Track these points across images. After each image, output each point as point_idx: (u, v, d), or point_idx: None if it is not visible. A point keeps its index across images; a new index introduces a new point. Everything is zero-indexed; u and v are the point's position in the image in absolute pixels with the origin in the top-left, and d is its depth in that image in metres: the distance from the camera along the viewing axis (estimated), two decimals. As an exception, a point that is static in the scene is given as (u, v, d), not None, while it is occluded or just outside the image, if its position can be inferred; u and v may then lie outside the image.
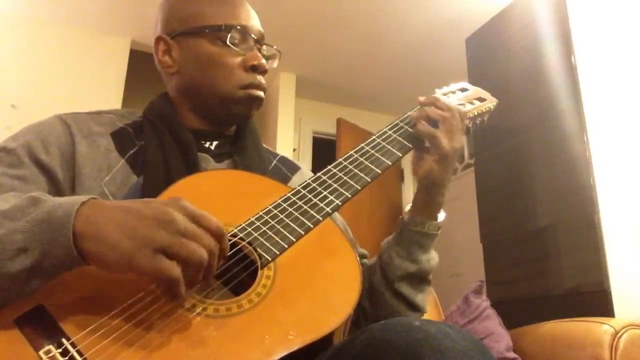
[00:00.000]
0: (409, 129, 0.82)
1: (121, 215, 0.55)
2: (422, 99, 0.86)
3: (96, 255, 0.54)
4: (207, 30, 0.85)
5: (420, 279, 0.84)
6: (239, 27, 0.86)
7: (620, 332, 1.32)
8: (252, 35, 0.87)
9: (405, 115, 0.85)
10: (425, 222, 0.82)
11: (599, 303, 1.70)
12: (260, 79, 0.87)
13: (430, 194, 0.82)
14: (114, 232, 0.53)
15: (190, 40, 0.86)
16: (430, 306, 1.67)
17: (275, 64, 0.94)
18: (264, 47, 0.91)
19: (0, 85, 3.16)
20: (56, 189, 0.75)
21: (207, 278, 0.56)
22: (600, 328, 1.35)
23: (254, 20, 0.90)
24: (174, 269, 0.52)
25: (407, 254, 0.82)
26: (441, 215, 0.85)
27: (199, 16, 0.87)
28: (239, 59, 0.86)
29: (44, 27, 3.36)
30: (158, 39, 0.89)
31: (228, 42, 0.85)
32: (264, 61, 0.88)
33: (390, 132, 0.82)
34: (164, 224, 0.53)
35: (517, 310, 1.96)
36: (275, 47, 0.93)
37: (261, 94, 0.88)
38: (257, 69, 0.86)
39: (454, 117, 0.82)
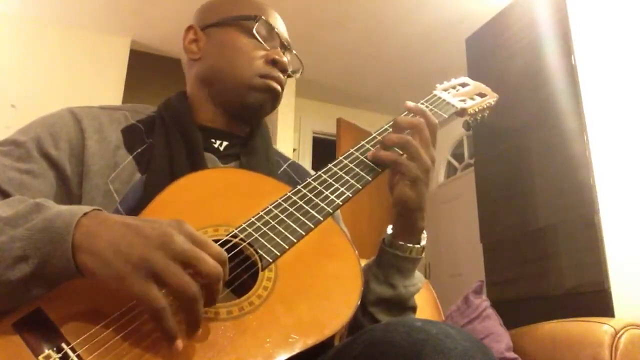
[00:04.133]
0: None
1: (120, 230, 0.54)
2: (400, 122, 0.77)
3: (89, 269, 0.53)
4: (236, 20, 0.88)
5: (399, 306, 0.77)
6: (267, 22, 0.89)
7: (620, 332, 1.32)
8: (279, 36, 0.90)
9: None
10: (406, 246, 0.76)
11: (599, 303, 1.70)
12: (279, 74, 0.88)
13: (409, 219, 0.75)
14: (109, 248, 0.52)
15: (219, 30, 0.89)
16: (430, 306, 1.67)
17: (297, 75, 0.96)
18: (288, 55, 0.92)
19: (0, 85, 3.16)
20: (64, 184, 0.75)
21: (206, 305, 0.53)
22: (600, 328, 1.35)
23: (282, 27, 0.93)
24: (160, 301, 0.50)
25: (384, 278, 0.76)
26: (424, 237, 0.78)
27: (232, 9, 0.90)
28: (262, 52, 0.88)
29: (44, 27, 3.36)
30: (189, 28, 0.92)
31: (254, 32, 0.87)
32: (285, 59, 0.89)
33: (391, 130, 0.80)
34: (162, 245, 0.52)
35: (517, 310, 1.95)
36: (300, 58, 0.95)
37: (278, 87, 0.88)
38: (277, 64, 0.87)
39: (417, 136, 0.74)
